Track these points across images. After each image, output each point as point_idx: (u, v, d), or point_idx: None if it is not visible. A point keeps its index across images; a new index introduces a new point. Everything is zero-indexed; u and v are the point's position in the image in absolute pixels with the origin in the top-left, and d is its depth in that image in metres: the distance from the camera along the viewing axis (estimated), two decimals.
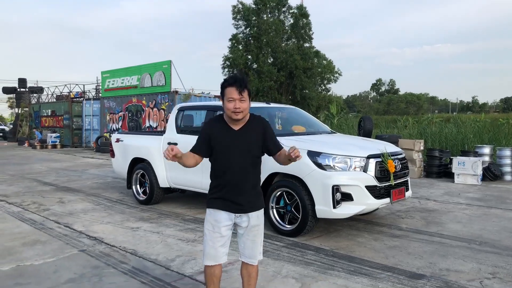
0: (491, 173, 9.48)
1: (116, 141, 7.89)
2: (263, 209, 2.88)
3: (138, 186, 7.40)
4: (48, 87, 33.25)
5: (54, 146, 23.54)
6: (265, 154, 2.91)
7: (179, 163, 2.73)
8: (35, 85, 34.18)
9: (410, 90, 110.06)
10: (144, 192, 7.29)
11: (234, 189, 2.74)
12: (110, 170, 12.08)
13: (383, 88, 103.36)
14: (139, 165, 7.30)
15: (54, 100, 27.56)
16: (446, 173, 10.27)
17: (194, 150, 2.81)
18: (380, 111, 77.42)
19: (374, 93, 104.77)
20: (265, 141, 2.82)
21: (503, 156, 9.92)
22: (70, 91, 26.92)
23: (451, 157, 10.31)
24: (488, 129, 14.05)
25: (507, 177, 9.83)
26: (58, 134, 24.35)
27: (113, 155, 8.00)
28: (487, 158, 10.09)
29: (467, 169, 9.19)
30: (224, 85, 2.70)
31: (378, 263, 4.21)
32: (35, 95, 32.21)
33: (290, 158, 2.64)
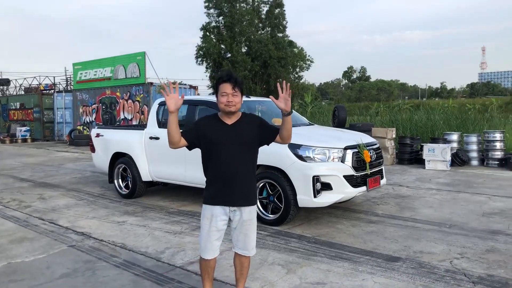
0: (459, 159, 9.99)
1: (96, 136, 7.90)
2: (255, 205, 3.03)
3: (120, 180, 7.47)
4: (15, 79, 32.21)
5: (24, 140, 23.02)
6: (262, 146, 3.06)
7: (169, 122, 2.79)
8: (1, 78, 33.11)
9: (381, 77, 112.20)
10: (126, 186, 7.37)
11: (228, 182, 2.87)
12: (88, 164, 12.03)
13: (354, 76, 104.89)
14: (120, 159, 7.36)
15: (23, 92, 26.82)
16: (417, 160, 10.73)
17: (182, 133, 2.89)
18: (352, 98, 78.70)
19: (346, 80, 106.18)
20: (263, 131, 2.97)
21: (470, 142, 10.45)
22: (40, 83, 26.27)
23: (422, 144, 10.78)
24: (456, 116, 14.64)
25: (474, 162, 10.37)
26: (28, 128, 23.80)
27: (93, 150, 8.02)
28: (455, 145, 10.60)
29: (437, 156, 9.66)
30: (219, 81, 2.88)
31: (357, 248, 4.49)
32: (1, 87, 31.22)
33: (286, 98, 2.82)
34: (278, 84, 2.91)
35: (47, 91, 24.84)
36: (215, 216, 2.91)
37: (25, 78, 28.36)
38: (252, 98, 7.07)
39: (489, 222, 5.32)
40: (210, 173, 2.97)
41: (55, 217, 6.14)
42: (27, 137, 23.29)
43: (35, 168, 11.73)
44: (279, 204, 5.31)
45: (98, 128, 8.19)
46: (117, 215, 6.17)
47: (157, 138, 6.72)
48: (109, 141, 7.59)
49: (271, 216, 5.40)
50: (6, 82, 31.54)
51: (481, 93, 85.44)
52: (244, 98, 7.09)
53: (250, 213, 2.98)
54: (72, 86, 22.56)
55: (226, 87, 2.83)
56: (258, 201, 5.51)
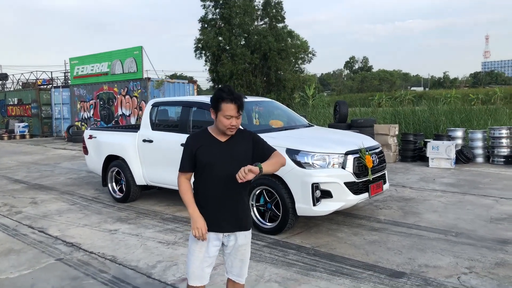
0: (464, 156, 9.71)
1: (89, 138, 7.66)
2: (250, 229, 2.78)
3: (114, 184, 7.25)
4: (13, 74, 31.92)
5: (22, 136, 22.82)
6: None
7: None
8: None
9: (383, 67, 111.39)
10: (120, 190, 7.15)
11: (221, 205, 2.62)
12: (84, 163, 11.77)
13: (356, 66, 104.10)
14: (114, 162, 7.13)
15: (20, 87, 26.56)
16: (421, 157, 10.46)
17: (184, 169, 2.67)
18: (354, 89, 78.19)
19: (348, 70, 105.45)
20: (257, 149, 2.71)
21: (475, 139, 10.16)
22: (37, 78, 26.01)
23: (425, 140, 10.50)
24: (459, 110, 14.32)
25: (479, 159, 10.10)
26: (27, 124, 23.60)
27: (86, 152, 7.78)
28: (459, 141, 10.32)
29: (441, 153, 9.39)
30: (222, 99, 2.54)
31: (359, 261, 4.26)
32: None
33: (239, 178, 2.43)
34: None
35: (45, 86, 24.59)
36: (206, 241, 2.65)
37: (22, 73, 28.03)
38: (249, 99, 6.80)
39: (497, 230, 5.07)
40: (201, 195, 2.67)
41: (46, 224, 5.92)
42: (25, 133, 23.09)
43: (30, 167, 11.52)
44: (277, 212, 5.07)
45: (90, 129, 7.95)
46: (110, 222, 5.94)
47: (150, 141, 6.47)
48: (102, 144, 7.34)
49: (269, 225, 5.16)
50: (4, 77, 31.28)
51: (484, 82, 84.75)
52: None
53: (245, 237, 2.73)
54: (70, 82, 22.27)
55: (231, 109, 2.52)
56: (255, 208, 5.28)
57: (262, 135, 5.37)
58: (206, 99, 6.07)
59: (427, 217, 5.69)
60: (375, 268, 4.06)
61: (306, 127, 6.47)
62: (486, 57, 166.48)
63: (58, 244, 5.07)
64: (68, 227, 5.76)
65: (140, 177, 6.75)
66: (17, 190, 8.37)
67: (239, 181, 2.41)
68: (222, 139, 2.66)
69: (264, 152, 2.73)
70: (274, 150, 2.78)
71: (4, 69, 33.26)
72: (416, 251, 4.48)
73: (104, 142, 7.31)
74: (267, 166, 2.58)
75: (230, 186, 2.61)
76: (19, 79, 28.24)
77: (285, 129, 6.04)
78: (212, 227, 2.63)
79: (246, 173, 2.38)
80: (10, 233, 5.59)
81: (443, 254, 4.36)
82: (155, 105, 6.80)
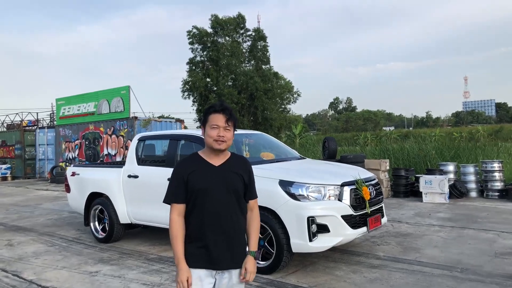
0: (458, 191, 9.54)
1: (71, 175, 7.31)
2: None
3: (96, 223, 6.84)
4: None
5: (4, 179, 22.12)
6: None
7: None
8: None
9: (367, 107, 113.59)
10: (103, 229, 6.74)
11: (216, 238, 2.29)
12: (66, 203, 11.30)
13: (341, 106, 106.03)
14: (97, 200, 6.76)
15: (5, 129, 26.08)
16: (413, 192, 10.28)
17: (176, 199, 2.32)
18: (339, 129, 79.08)
19: (332, 111, 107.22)
20: (249, 184, 2.42)
21: (467, 173, 10.05)
22: (22, 120, 25.61)
23: (417, 175, 10.35)
24: (448, 146, 14.32)
25: (473, 194, 9.94)
26: (9, 165, 22.94)
27: (68, 190, 7.40)
28: (451, 176, 10.18)
29: (434, 188, 9.21)
30: (209, 111, 2.34)
31: None
32: None
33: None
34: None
35: (30, 127, 24.16)
36: (199, 280, 2.29)
37: (7, 115, 27.63)
38: (239, 131, 6.60)
39: (504, 265, 4.79)
40: (192, 228, 2.32)
41: (20, 267, 5.46)
42: (7, 175, 22.39)
43: (9, 209, 10.98)
44: (270, 249, 4.74)
45: (73, 166, 7.61)
46: (91, 264, 5.52)
47: (136, 177, 6.16)
48: (85, 180, 7.00)
49: (262, 263, 4.80)
50: None
51: (466, 121, 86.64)
52: None
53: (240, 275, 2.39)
54: (55, 122, 21.93)
55: (218, 119, 2.30)
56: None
57: (254, 168, 5.17)
58: (195, 132, 5.86)
59: (428, 253, 5.40)
60: None
61: (298, 159, 6.25)
62: (466, 97, 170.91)
63: None
64: (45, 270, 5.32)
65: (124, 215, 6.38)
66: None
67: (242, 280, 2.32)
68: (216, 162, 2.36)
69: (251, 194, 2.43)
70: (257, 197, 2.50)
71: None
72: None
73: (87, 179, 6.97)
74: (255, 245, 2.42)
75: (225, 216, 2.30)
76: (3, 120, 27.80)
77: (277, 161, 5.81)
78: (205, 264, 2.29)
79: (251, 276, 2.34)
80: None
81: None
82: (141, 139, 6.54)
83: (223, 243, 2.29)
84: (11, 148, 23.69)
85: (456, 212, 8.10)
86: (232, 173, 2.35)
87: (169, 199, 2.35)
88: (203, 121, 2.38)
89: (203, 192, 2.28)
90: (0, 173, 22.34)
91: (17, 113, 25.99)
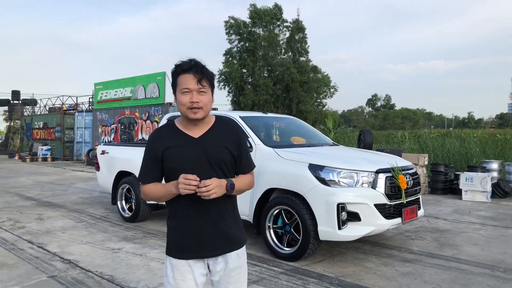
0: (501, 190, 8.95)
1: (101, 153, 7.33)
2: (244, 246, 2.10)
3: (123, 202, 6.82)
4: (41, 100, 32.67)
5: (44, 159, 22.87)
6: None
7: (163, 193, 1.97)
8: (30, 98, 33.69)
9: (406, 105, 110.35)
10: (129, 209, 6.71)
11: (200, 223, 1.96)
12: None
13: (378, 103, 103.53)
14: (125, 179, 6.73)
15: (47, 112, 26.98)
16: (452, 189, 9.74)
17: (146, 180, 2.00)
18: (376, 126, 77.29)
19: (370, 108, 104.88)
20: (240, 155, 2.04)
21: None
22: (63, 103, 26.39)
23: (457, 173, 9.80)
24: (490, 145, 13.55)
25: None
26: (50, 147, 23.71)
27: (98, 168, 7.43)
28: (495, 174, 9.58)
29: (475, 186, 8.67)
30: (177, 72, 1.93)
31: None
32: (28, 107, 31.68)
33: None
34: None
35: (70, 111, 24.86)
36: (187, 272, 1.99)
37: (49, 98, 28.51)
38: (270, 115, 6.38)
39: None
40: (173, 212, 2.01)
41: (46, 240, 5.49)
42: (47, 156, 23.15)
43: (44, 186, 11.25)
44: (296, 235, 4.51)
45: (103, 145, 7.62)
46: (114, 241, 5.47)
47: None
48: (114, 159, 6.99)
49: (287, 250, 4.59)
50: (33, 102, 32.04)
51: (511, 123, 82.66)
52: (261, 114, 6.44)
53: (238, 258, 2.04)
54: (93, 106, 22.44)
55: (188, 80, 1.89)
56: (272, 230, 4.73)
57: (283, 151, 4.94)
58: (225, 113, 5.67)
59: (467, 250, 5.02)
60: None
61: (331, 146, 5.96)
62: None
63: (54, 261, 4.61)
64: (69, 244, 5.31)
65: None
66: (26, 207, 8.03)
67: (202, 197, 1.84)
68: (195, 133, 1.99)
69: (243, 166, 2.07)
70: (254, 167, 2.14)
71: (36, 96, 33.99)
72: (459, 286, 3.83)
73: (116, 158, 6.96)
74: (239, 185, 1.97)
75: (209, 199, 1.88)
76: (46, 104, 28.75)
77: (308, 146, 5.55)
78: (191, 255, 1.98)
79: (209, 190, 1.82)
80: (7, 247, 5.17)
81: None
82: (170, 120, 6.44)
83: (210, 225, 1.97)
84: (51, 130, 24.48)
85: (499, 212, 7.58)
86: (216, 144, 1.98)
87: (139, 178, 2.04)
88: (172, 85, 2.00)
89: (182, 170, 1.89)
90: (41, 154, 23.13)
91: (58, 97, 26.69)
